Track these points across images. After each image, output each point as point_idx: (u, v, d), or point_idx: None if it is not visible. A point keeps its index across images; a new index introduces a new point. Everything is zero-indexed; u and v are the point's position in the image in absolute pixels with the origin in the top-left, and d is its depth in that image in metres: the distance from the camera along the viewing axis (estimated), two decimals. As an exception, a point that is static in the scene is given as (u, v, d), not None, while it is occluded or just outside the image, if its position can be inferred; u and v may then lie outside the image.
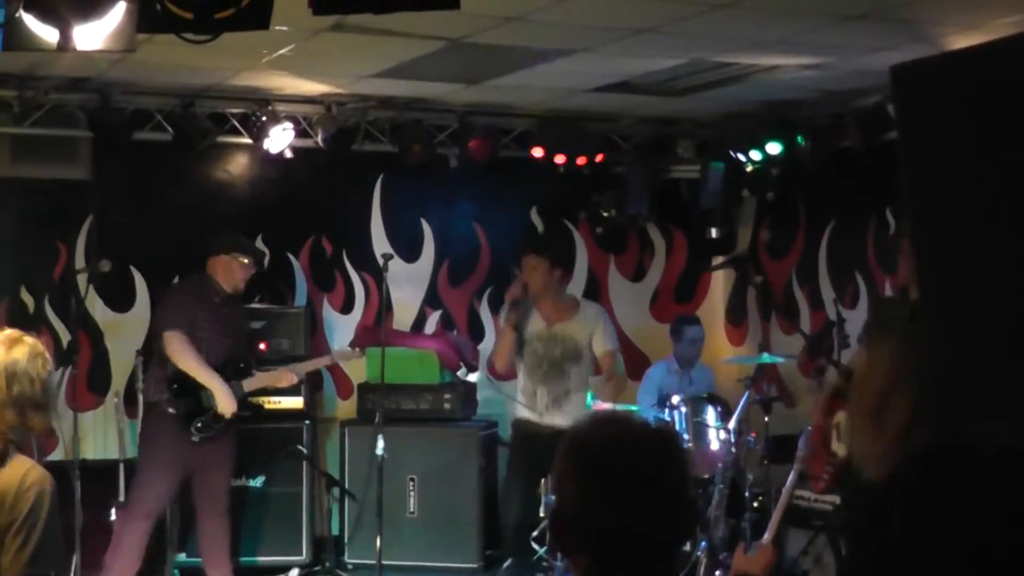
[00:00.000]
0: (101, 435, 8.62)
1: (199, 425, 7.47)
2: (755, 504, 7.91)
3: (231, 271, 7.69)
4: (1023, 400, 2.41)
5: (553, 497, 2.50)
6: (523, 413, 7.78)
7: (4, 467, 3.70)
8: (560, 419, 7.46)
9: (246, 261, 7.73)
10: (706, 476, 7.73)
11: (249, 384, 7.74)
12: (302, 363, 8.17)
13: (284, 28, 6.35)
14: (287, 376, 7.94)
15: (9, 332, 3.90)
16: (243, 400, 7.67)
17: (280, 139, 8.58)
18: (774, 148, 8.80)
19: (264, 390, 8.12)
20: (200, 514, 7.69)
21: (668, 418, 8.17)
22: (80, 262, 8.58)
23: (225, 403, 7.49)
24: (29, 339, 3.87)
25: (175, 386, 7.47)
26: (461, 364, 9.11)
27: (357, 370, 9.23)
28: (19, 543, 3.61)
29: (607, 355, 7.83)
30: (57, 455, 7.98)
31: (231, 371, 7.64)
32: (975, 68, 2.37)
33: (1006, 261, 2.41)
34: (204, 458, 7.55)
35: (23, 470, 3.70)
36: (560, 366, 7.74)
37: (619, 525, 2.35)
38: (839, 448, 5.65)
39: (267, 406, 8.51)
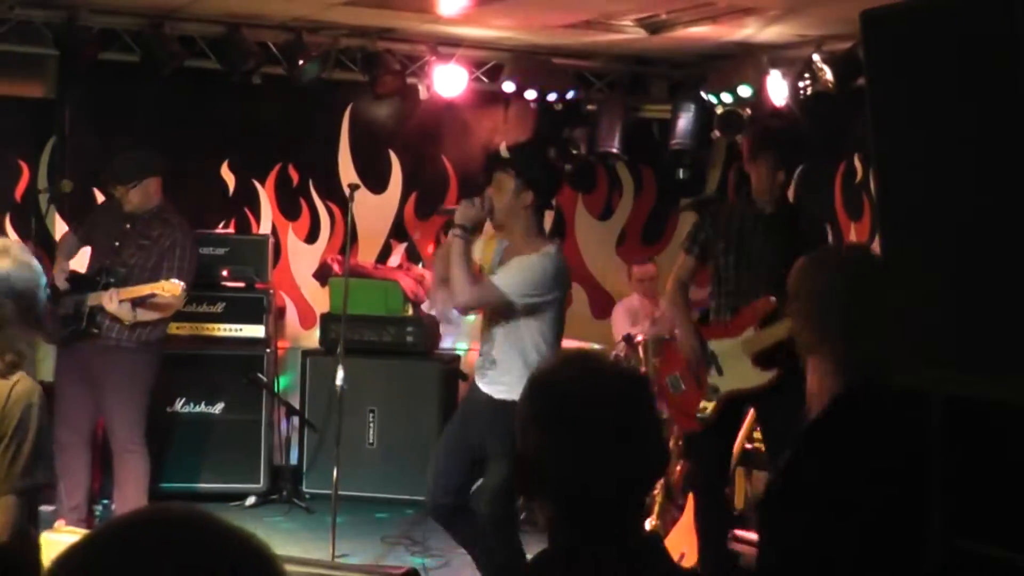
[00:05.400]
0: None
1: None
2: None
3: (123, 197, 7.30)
4: (993, 351, 2.40)
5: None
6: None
7: (5, 380, 3.78)
8: (488, 386, 5.82)
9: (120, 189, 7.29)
10: (665, 416, 7.73)
11: (96, 297, 7.04)
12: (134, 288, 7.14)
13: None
14: (115, 296, 7.00)
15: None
16: (79, 310, 7.08)
17: (250, 65, 8.49)
18: (745, 91, 8.76)
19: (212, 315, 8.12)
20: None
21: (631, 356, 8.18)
22: (43, 182, 8.49)
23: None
24: (14, 247, 3.94)
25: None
26: (425, 297, 9.08)
27: (320, 300, 9.20)
28: (10, 456, 3.71)
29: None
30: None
31: (92, 282, 7.14)
32: (944, 15, 2.34)
33: (971, 209, 2.39)
34: (91, 386, 7.12)
35: (11, 384, 3.77)
36: (488, 322, 5.89)
37: (587, 477, 2.19)
38: None
39: (228, 334, 8.49)
